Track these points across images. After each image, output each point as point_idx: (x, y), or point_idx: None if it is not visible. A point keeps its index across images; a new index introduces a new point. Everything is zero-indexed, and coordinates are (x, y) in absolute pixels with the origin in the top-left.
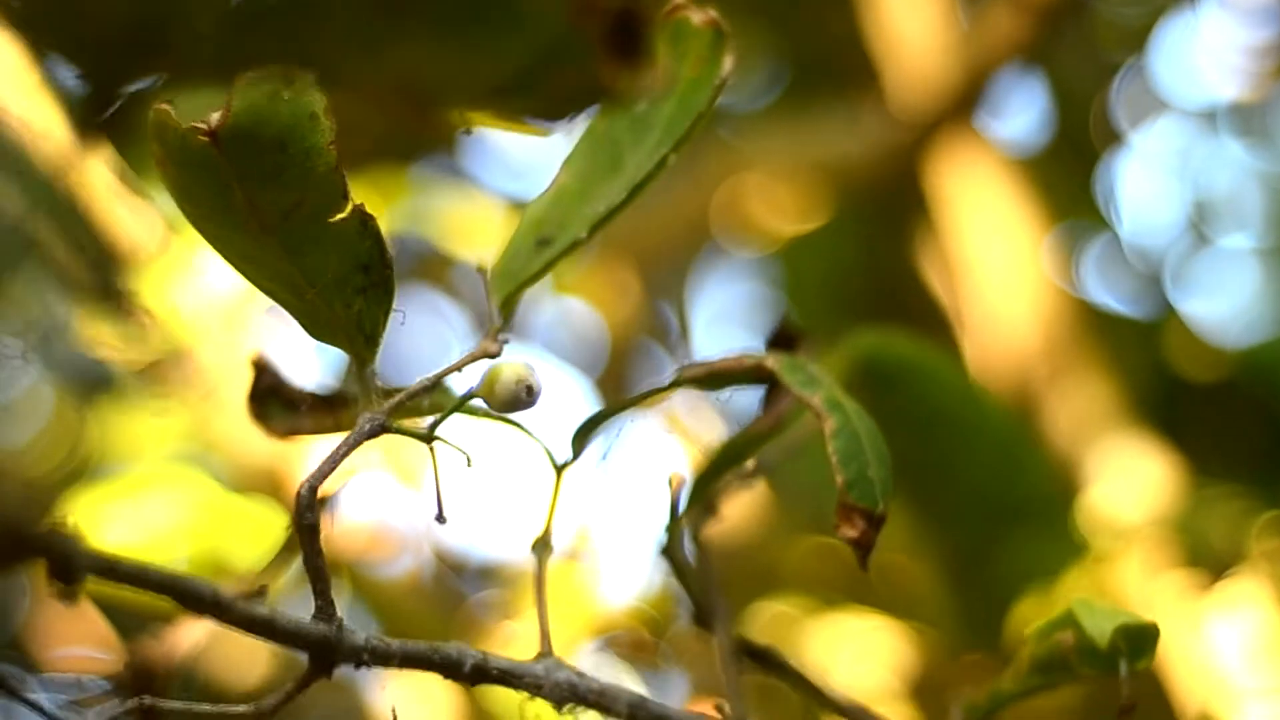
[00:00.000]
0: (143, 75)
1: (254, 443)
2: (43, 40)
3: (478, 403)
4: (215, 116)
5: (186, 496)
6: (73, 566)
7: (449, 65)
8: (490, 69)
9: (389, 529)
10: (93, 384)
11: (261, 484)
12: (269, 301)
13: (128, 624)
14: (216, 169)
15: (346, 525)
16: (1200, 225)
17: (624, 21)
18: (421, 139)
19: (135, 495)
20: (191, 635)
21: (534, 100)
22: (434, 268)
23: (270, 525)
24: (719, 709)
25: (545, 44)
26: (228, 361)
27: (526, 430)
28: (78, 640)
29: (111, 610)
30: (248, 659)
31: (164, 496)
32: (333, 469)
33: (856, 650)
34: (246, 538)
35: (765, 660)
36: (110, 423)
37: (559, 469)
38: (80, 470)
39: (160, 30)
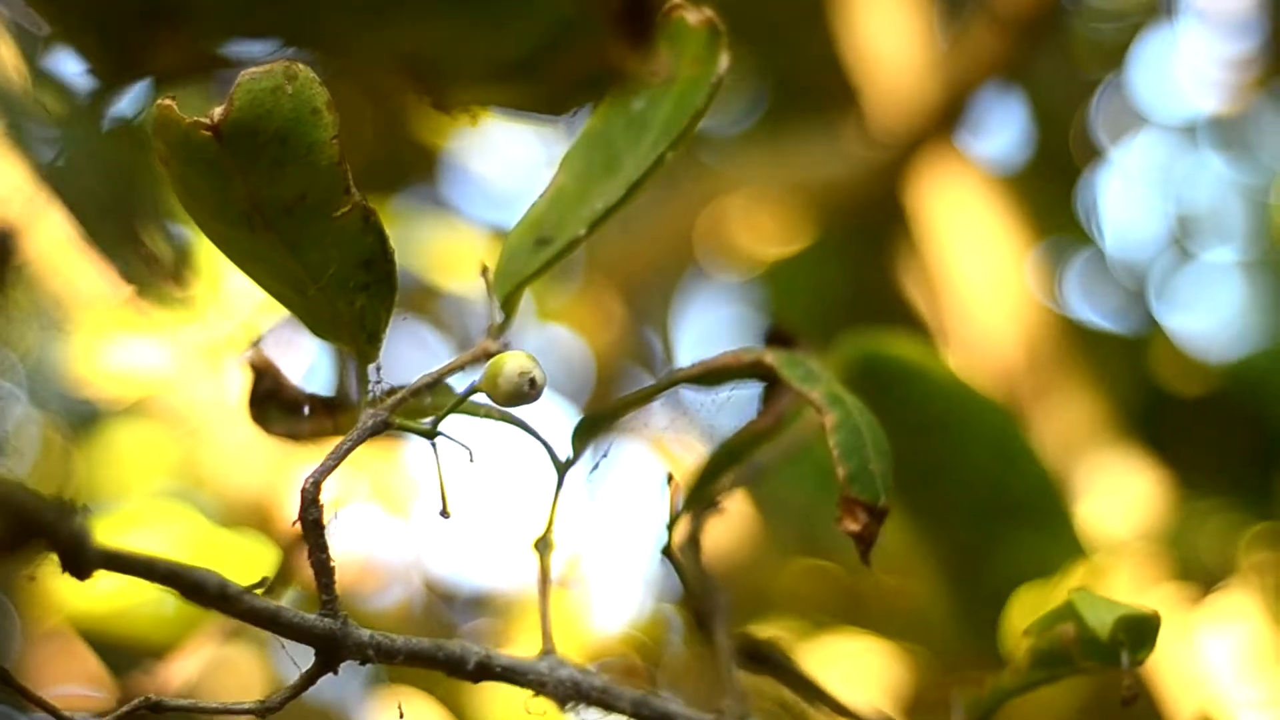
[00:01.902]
0: (155, 55)
1: (242, 477)
2: (52, 18)
3: (479, 401)
4: (217, 111)
5: (175, 532)
6: (83, 556)
7: (457, 43)
8: (498, 49)
9: (379, 561)
10: (80, 421)
11: (250, 518)
12: (258, 334)
13: (120, 662)
14: (218, 164)
15: (337, 558)
16: (1183, 239)
17: (634, 2)
18: (403, 167)
19: (124, 531)
20: (183, 671)
21: (540, 84)
22: (417, 299)
23: (259, 559)
24: (719, 710)
25: (553, 26)
26: (214, 396)
27: (528, 427)
28: (70, 678)
29: (103, 648)
30: (239, 695)
31: (152, 532)
32: (336, 465)
33: (848, 672)
34: (236, 572)
35: (765, 660)
36: (97, 459)
37: (561, 467)
38: None
39: (173, 7)
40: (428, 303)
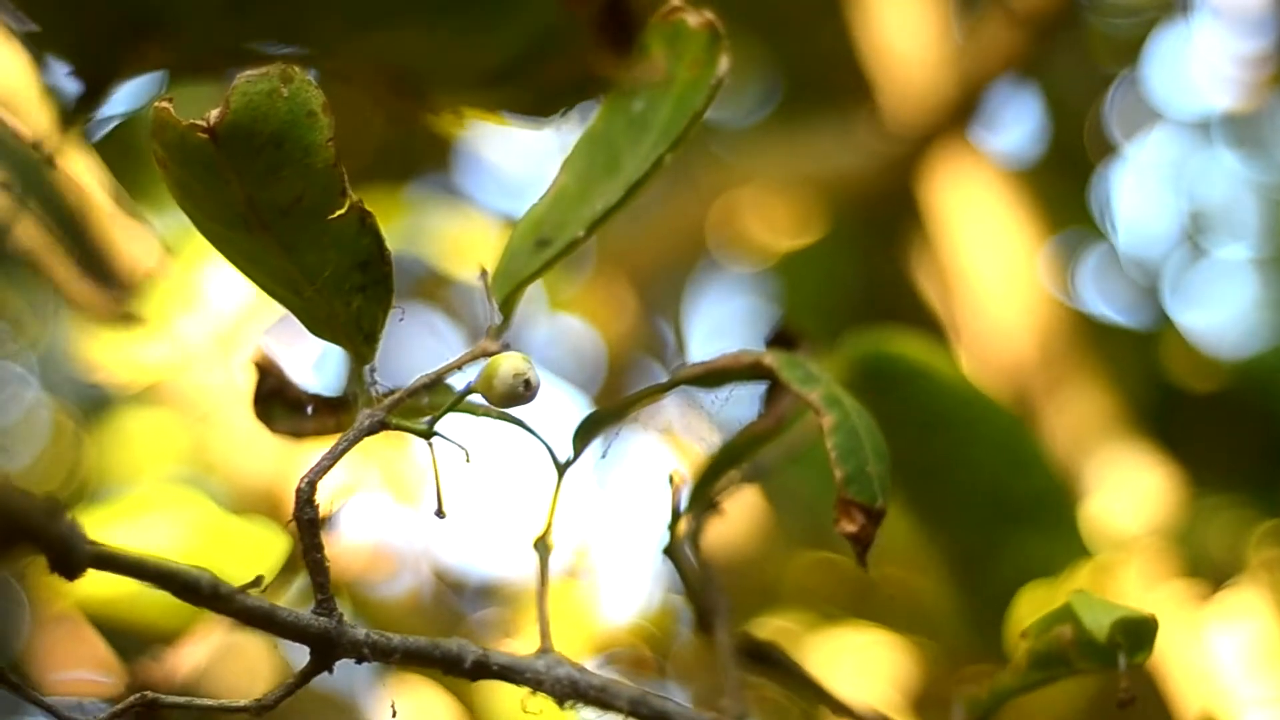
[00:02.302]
0: (138, 60)
1: (252, 464)
2: (38, 23)
3: (478, 401)
4: (214, 114)
5: (185, 518)
6: (73, 557)
7: (440, 52)
8: (481, 57)
9: (388, 548)
10: (91, 406)
11: (260, 505)
12: (266, 323)
13: (128, 646)
14: (215, 166)
15: (346, 544)
16: (1196, 236)
17: (614, 10)
18: (416, 156)
19: (134, 517)
20: (191, 657)
21: (524, 91)
22: (429, 287)
23: (269, 546)
24: (720, 708)
25: (536, 34)
26: (225, 383)
27: (527, 427)
28: (78, 663)
29: (112, 633)
30: (247, 681)
31: (162, 518)
32: (333, 464)
33: (857, 665)
34: (245, 559)
35: (767, 659)
36: (108, 445)
37: (561, 467)
38: (79, 492)
39: (155, 15)
40: (439, 290)
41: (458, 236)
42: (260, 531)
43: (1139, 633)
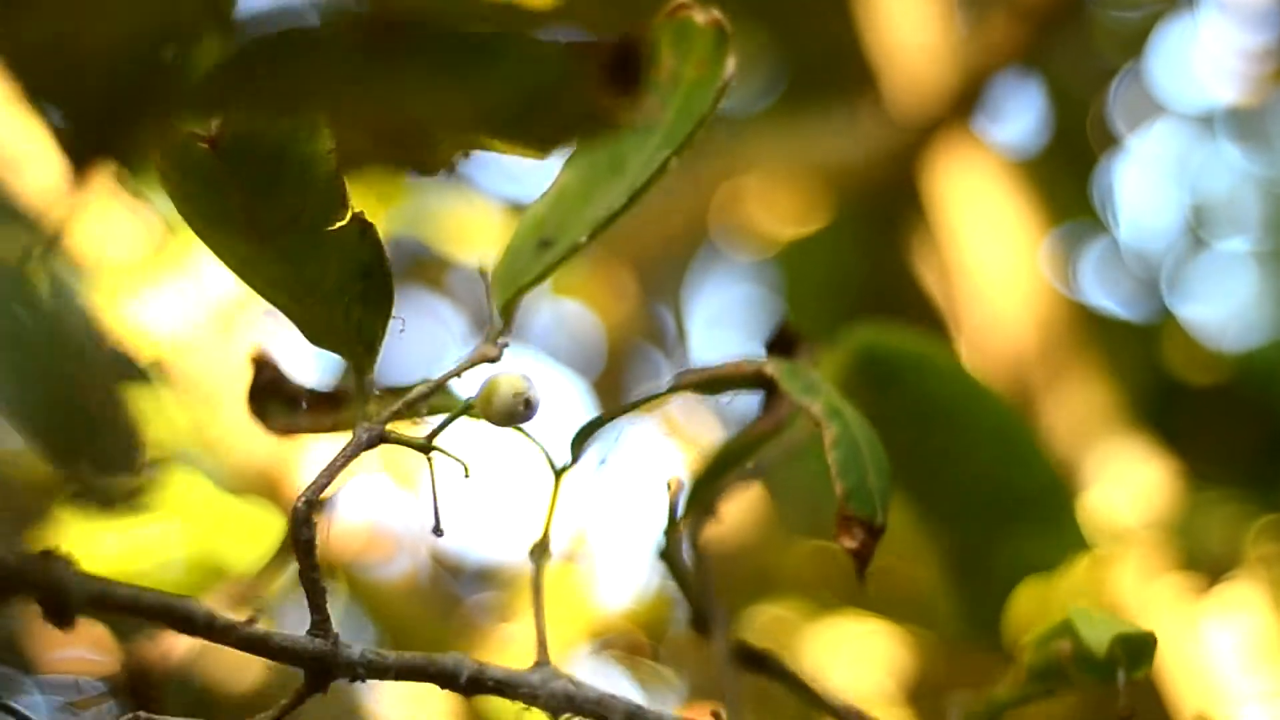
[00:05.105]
0: (135, 118)
1: (251, 445)
2: (33, 86)
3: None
4: (215, 124)
5: (182, 499)
6: (67, 601)
7: (443, 102)
8: (484, 104)
9: (385, 531)
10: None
11: (258, 486)
12: (264, 305)
13: (124, 627)
14: (216, 176)
15: (343, 527)
16: (1198, 229)
17: (622, 54)
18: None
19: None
20: (188, 639)
21: (529, 130)
22: (431, 270)
23: (267, 527)
24: (716, 715)
25: (540, 78)
26: (224, 364)
27: (526, 434)
28: (74, 643)
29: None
30: (243, 662)
31: (161, 499)
32: (329, 481)
33: (854, 654)
34: (243, 540)
35: (762, 665)
36: None
37: (558, 473)
38: None
39: (153, 72)
40: (440, 274)
41: (459, 220)
42: (257, 512)
43: (1138, 648)
